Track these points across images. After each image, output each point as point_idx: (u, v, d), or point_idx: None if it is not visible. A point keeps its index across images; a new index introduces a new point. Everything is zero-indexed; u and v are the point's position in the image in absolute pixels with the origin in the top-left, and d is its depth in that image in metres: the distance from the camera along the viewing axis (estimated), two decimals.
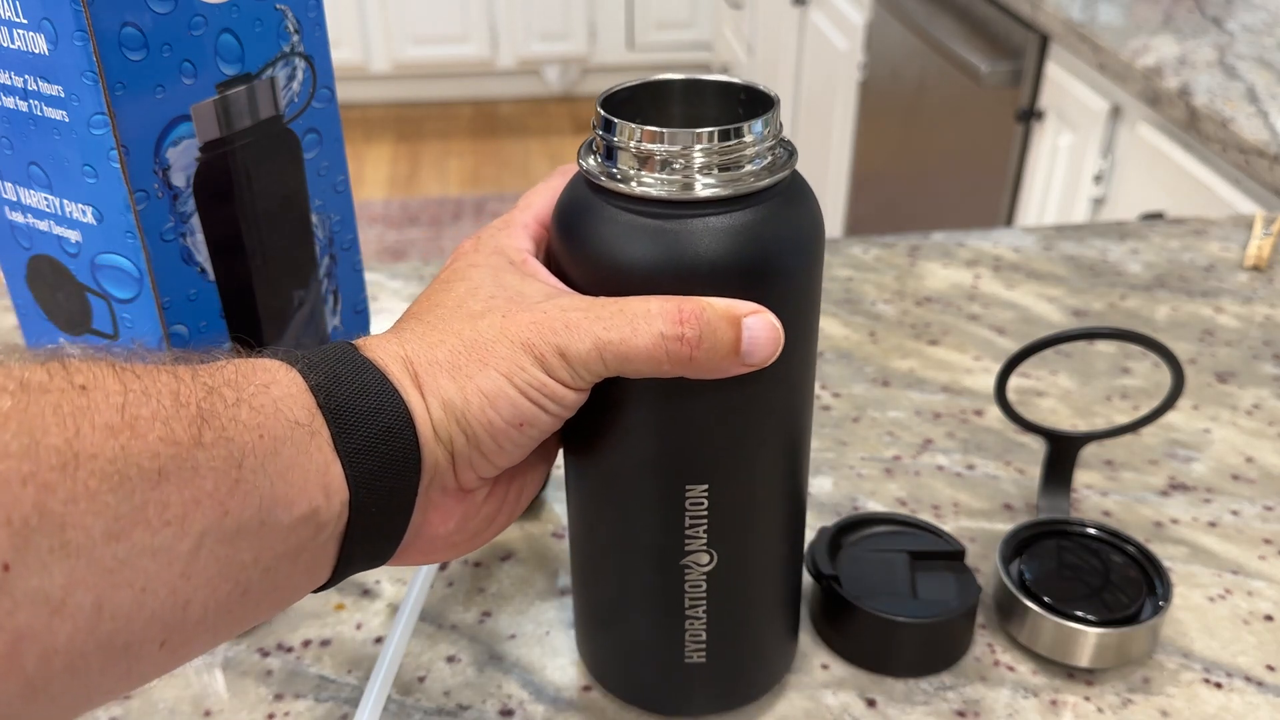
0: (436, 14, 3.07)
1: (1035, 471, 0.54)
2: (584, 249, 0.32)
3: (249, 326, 0.40)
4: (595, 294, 0.32)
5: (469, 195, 2.78)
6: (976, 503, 0.52)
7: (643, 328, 0.30)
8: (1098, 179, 1.24)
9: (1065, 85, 1.30)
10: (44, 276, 0.38)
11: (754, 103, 0.34)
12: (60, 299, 0.38)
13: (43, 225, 0.37)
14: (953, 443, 0.56)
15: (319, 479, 0.27)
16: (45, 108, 0.34)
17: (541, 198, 0.36)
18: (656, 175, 0.30)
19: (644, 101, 0.34)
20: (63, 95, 0.33)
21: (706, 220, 0.30)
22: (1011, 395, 0.57)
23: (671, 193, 0.30)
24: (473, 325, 0.31)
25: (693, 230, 0.30)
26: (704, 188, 0.30)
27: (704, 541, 0.34)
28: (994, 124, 1.48)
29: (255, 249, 0.39)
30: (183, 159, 0.36)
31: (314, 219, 0.41)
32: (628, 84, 0.34)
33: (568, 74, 3.27)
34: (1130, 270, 0.73)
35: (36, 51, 0.33)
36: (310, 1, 0.39)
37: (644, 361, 0.30)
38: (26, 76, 0.34)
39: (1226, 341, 0.65)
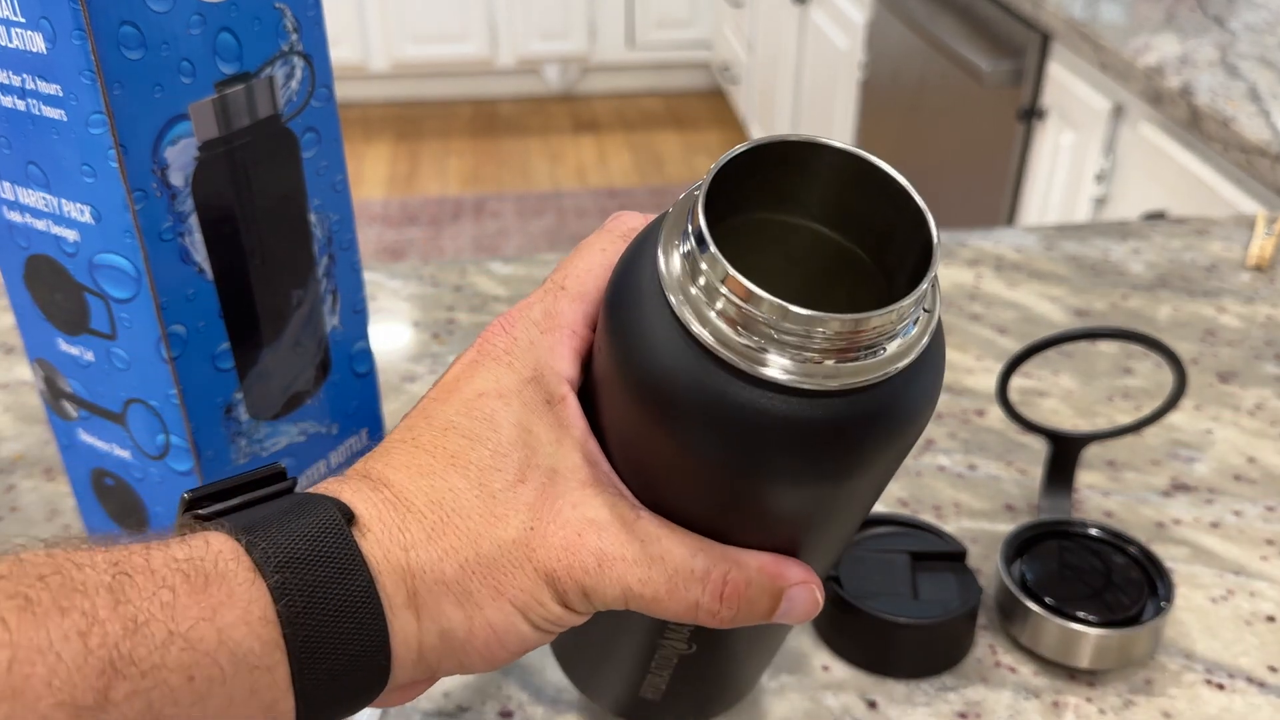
0: (435, 12, 3.07)
1: (1037, 472, 0.54)
2: (668, 417, 0.25)
3: (247, 326, 0.40)
4: (637, 445, 0.26)
5: (468, 195, 2.78)
6: (978, 503, 0.52)
7: (680, 592, 0.26)
8: (1099, 178, 1.24)
9: (1067, 84, 1.30)
10: (42, 276, 0.38)
11: (884, 199, 0.26)
12: (58, 299, 0.38)
13: (41, 225, 0.37)
14: (954, 443, 0.56)
15: (263, 715, 0.23)
16: (43, 107, 0.34)
17: (592, 275, 0.28)
18: (787, 358, 0.23)
19: (744, 186, 0.27)
20: (61, 94, 0.33)
21: (827, 403, 0.24)
22: (1013, 395, 0.57)
23: (802, 380, 0.23)
24: (492, 531, 0.25)
25: (799, 417, 0.24)
26: (843, 374, 0.24)
27: (686, 636, 0.32)
28: (995, 123, 1.47)
29: (253, 248, 0.39)
30: (181, 158, 0.35)
31: (312, 218, 0.41)
32: (725, 167, 0.25)
33: (567, 73, 3.27)
34: (1132, 270, 0.73)
35: (35, 50, 0.33)
36: (309, 0, 0.38)
37: (670, 614, 0.26)
38: (25, 75, 0.34)
39: (1228, 341, 0.65)
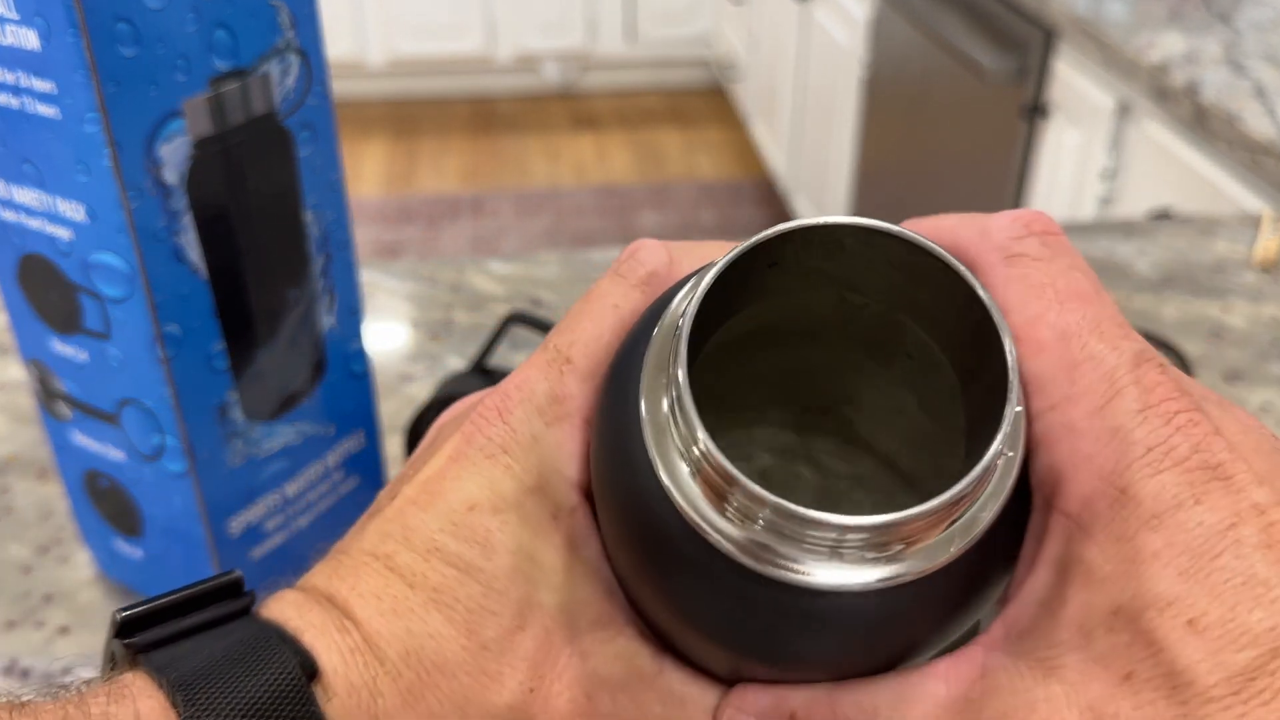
0: (433, 8, 3.06)
1: None
2: (689, 622, 0.20)
3: (242, 326, 0.39)
4: (643, 599, 0.22)
5: (466, 193, 2.77)
6: None
7: None
8: (1104, 176, 1.23)
9: (1071, 82, 1.29)
10: (35, 275, 0.38)
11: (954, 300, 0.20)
12: (52, 298, 0.38)
13: (34, 223, 0.36)
14: None
15: None
16: (37, 104, 0.34)
17: (604, 343, 0.23)
18: (808, 556, 0.19)
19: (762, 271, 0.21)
20: (55, 92, 0.33)
21: (864, 601, 0.19)
22: None
23: (827, 583, 0.19)
24: (482, 695, 0.21)
25: (827, 617, 0.19)
26: (887, 568, 0.19)
27: None
28: (999, 121, 1.47)
29: (248, 247, 0.38)
30: (175, 156, 0.35)
31: (308, 217, 0.41)
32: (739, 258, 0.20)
33: (567, 70, 3.26)
34: (1137, 269, 0.72)
35: (28, 47, 0.33)
36: None
37: None
38: (18, 73, 0.33)
39: (1234, 341, 0.64)
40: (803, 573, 0.18)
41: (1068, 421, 0.19)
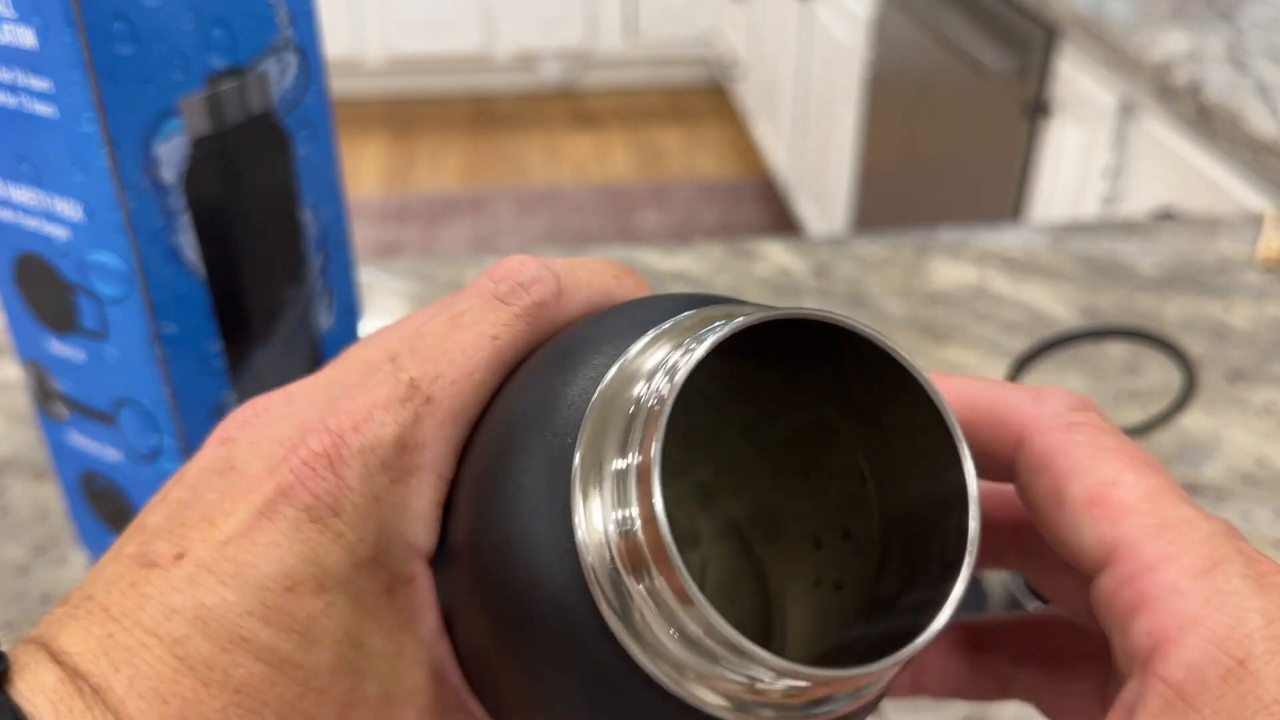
0: (431, 5, 3.06)
1: None
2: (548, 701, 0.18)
3: (239, 325, 0.39)
4: (499, 683, 0.19)
5: (465, 191, 2.77)
6: None
7: None
8: (1106, 175, 1.23)
9: (1074, 80, 1.29)
10: (32, 275, 0.38)
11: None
12: (49, 298, 0.38)
13: (31, 222, 0.36)
14: None
15: None
16: (34, 103, 0.33)
17: (474, 381, 0.19)
18: (775, 706, 0.17)
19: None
20: (52, 90, 0.33)
21: None
22: None
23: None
24: None
25: None
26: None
27: None
28: (1001, 119, 1.47)
29: (246, 246, 0.38)
30: (173, 155, 0.35)
31: (306, 216, 0.40)
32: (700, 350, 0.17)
33: (566, 68, 3.26)
34: (1140, 269, 0.72)
35: (25, 46, 0.32)
36: None
37: None
38: (15, 71, 0.33)
39: (1237, 341, 0.64)
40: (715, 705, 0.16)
41: (1169, 581, 0.18)
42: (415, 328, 0.19)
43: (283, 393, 0.20)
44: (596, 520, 0.17)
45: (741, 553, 0.24)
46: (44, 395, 0.41)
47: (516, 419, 0.18)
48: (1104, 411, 0.21)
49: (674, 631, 0.16)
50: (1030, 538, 0.21)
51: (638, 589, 0.16)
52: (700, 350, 0.17)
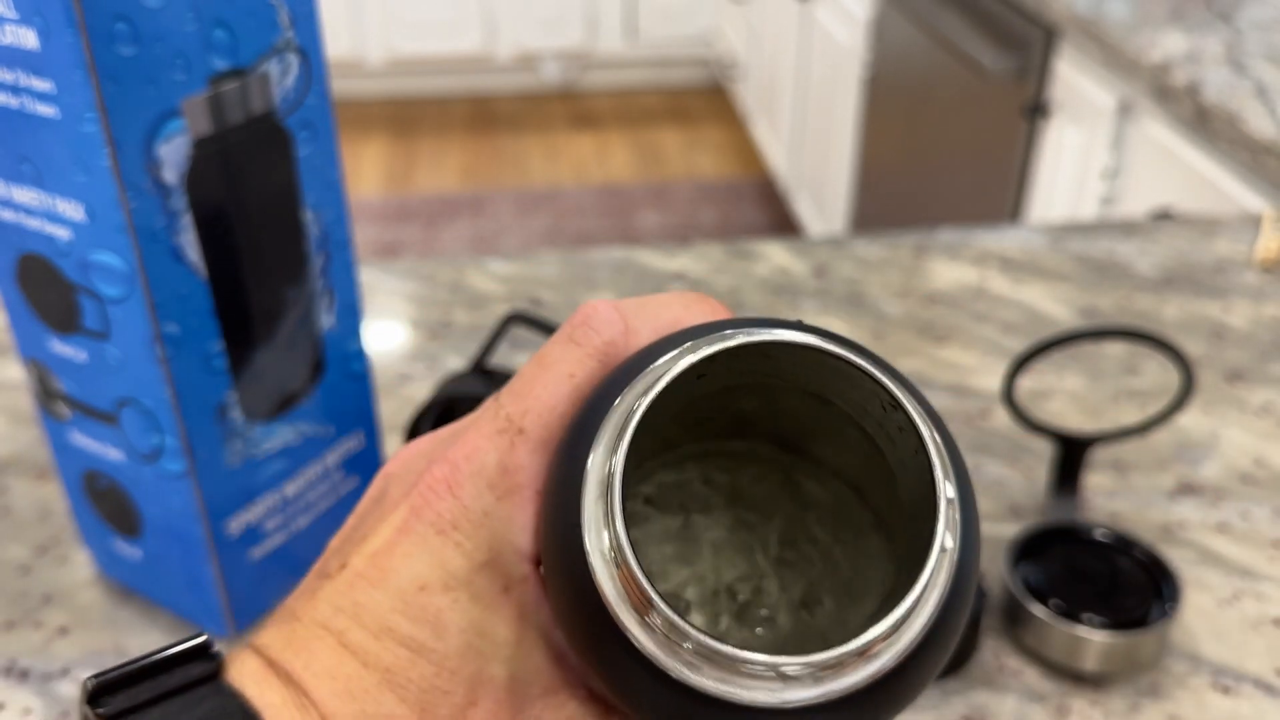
0: (432, 6, 3.06)
1: (1042, 474, 0.53)
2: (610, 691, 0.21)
3: (241, 325, 0.39)
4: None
5: (465, 192, 2.77)
6: (983, 505, 0.52)
7: None
8: (1105, 176, 1.23)
9: (1072, 81, 1.29)
10: (34, 275, 0.38)
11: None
12: (51, 298, 0.38)
13: (33, 223, 0.36)
14: (959, 444, 0.56)
15: None
16: (36, 104, 0.33)
17: (558, 414, 0.22)
18: (749, 683, 0.19)
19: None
20: (53, 91, 0.33)
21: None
22: (1019, 396, 0.56)
23: (757, 701, 0.19)
24: None
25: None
26: (809, 693, 0.19)
27: None
28: (1000, 120, 1.47)
29: (247, 247, 0.38)
30: (174, 155, 0.35)
31: (307, 216, 0.41)
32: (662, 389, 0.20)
33: (566, 69, 3.26)
34: (1139, 269, 0.72)
35: (27, 46, 0.32)
36: None
37: None
38: (17, 72, 0.33)
39: (1236, 341, 0.64)
40: (720, 692, 0.19)
41: None
42: (520, 372, 0.23)
43: (431, 435, 0.24)
44: (598, 525, 0.20)
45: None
46: (46, 395, 0.41)
47: (565, 440, 0.21)
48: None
49: (653, 624, 0.19)
50: None
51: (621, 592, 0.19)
52: (650, 397, 0.19)
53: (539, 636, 0.22)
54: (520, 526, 0.22)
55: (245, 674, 0.21)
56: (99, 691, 0.21)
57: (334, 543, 0.24)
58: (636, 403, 0.20)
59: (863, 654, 0.19)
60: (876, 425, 0.22)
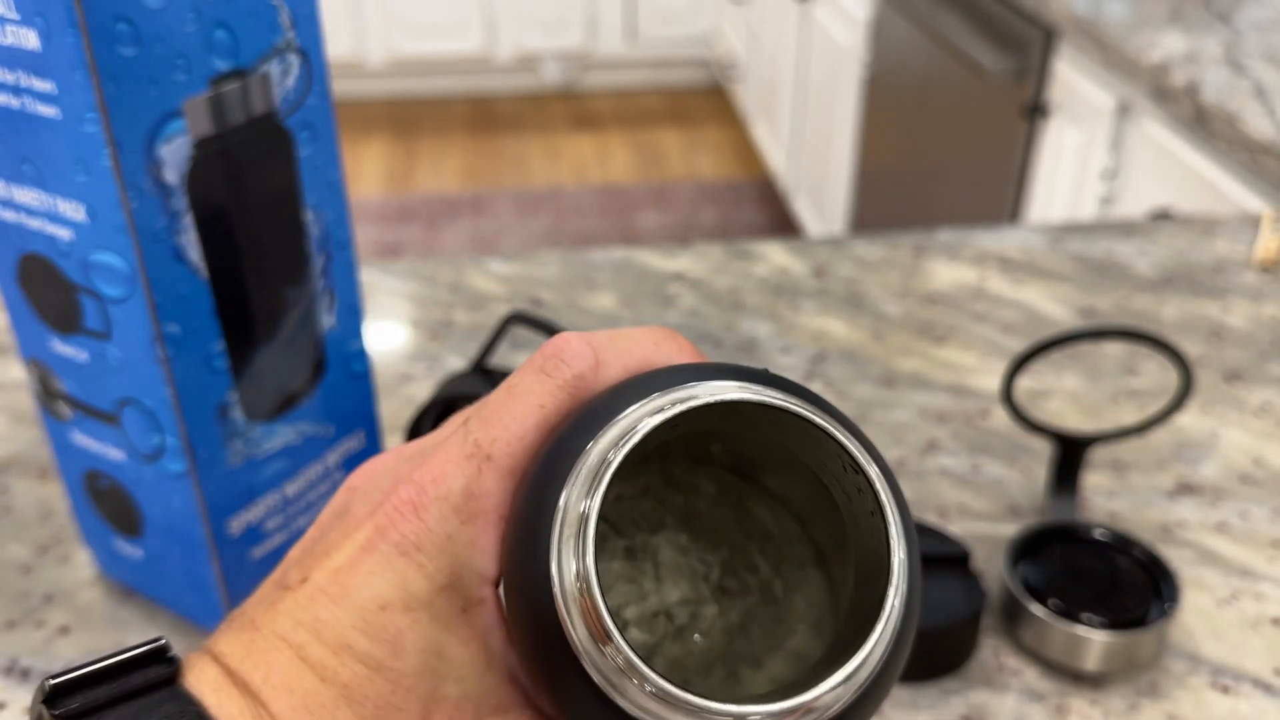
0: (433, 7, 3.06)
1: (1042, 473, 0.53)
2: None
3: (242, 325, 0.39)
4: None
5: (466, 192, 2.77)
6: (982, 505, 0.52)
7: None
8: (1104, 176, 1.23)
9: (1071, 81, 1.29)
10: (35, 275, 0.38)
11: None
12: (52, 298, 0.38)
13: (34, 223, 0.36)
14: (958, 444, 0.56)
15: None
16: (37, 104, 0.34)
17: (526, 444, 0.23)
18: None
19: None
20: (54, 91, 0.33)
21: None
22: (1018, 396, 0.56)
23: None
24: None
25: None
26: None
27: None
28: (999, 120, 1.47)
29: (248, 247, 0.38)
30: (175, 156, 0.35)
31: (308, 216, 0.41)
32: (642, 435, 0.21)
33: (567, 70, 3.26)
34: (1138, 269, 0.72)
35: (28, 47, 0.32)
36: None
37: None
38: (18, 72, 0.33)
39: (1235, 341, 0.64)
40: None
41: None
42: (487, 399, 0.23)
43: (395, 451, 0.25)
44: (567, 559, 0.20)
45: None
46: (47, 395, 0.41)
47: (535, 471, 0.22)
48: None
49: (612, 658, 0.20)
50: None
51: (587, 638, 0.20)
52: (624, 450, 0.20)
53: (491, 657, 0.22)
54: (482, 550, 0.22)
55: (204, 681, 0.22)
56: (56, 693, 0.21)
57: (293, 553, 0.24)
58: (612, 453, 0.21)
59: (814, 703, 0.20)
60: (834, 480, 0.23)
